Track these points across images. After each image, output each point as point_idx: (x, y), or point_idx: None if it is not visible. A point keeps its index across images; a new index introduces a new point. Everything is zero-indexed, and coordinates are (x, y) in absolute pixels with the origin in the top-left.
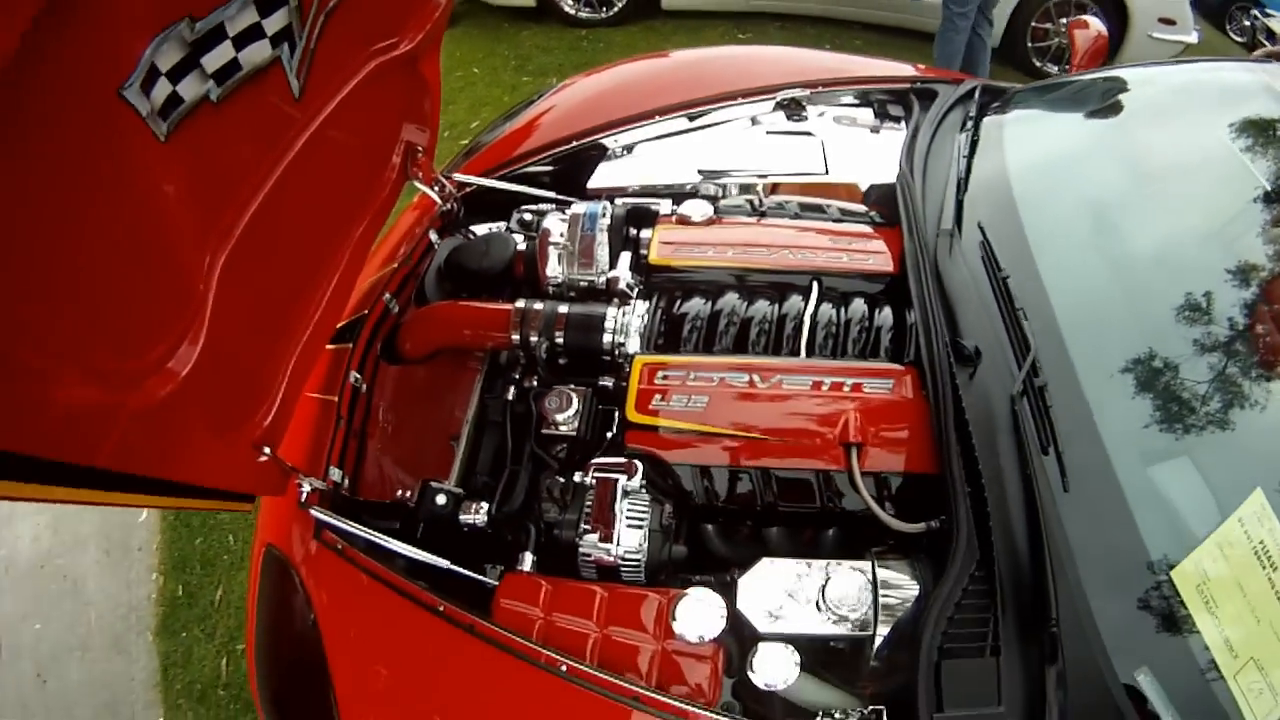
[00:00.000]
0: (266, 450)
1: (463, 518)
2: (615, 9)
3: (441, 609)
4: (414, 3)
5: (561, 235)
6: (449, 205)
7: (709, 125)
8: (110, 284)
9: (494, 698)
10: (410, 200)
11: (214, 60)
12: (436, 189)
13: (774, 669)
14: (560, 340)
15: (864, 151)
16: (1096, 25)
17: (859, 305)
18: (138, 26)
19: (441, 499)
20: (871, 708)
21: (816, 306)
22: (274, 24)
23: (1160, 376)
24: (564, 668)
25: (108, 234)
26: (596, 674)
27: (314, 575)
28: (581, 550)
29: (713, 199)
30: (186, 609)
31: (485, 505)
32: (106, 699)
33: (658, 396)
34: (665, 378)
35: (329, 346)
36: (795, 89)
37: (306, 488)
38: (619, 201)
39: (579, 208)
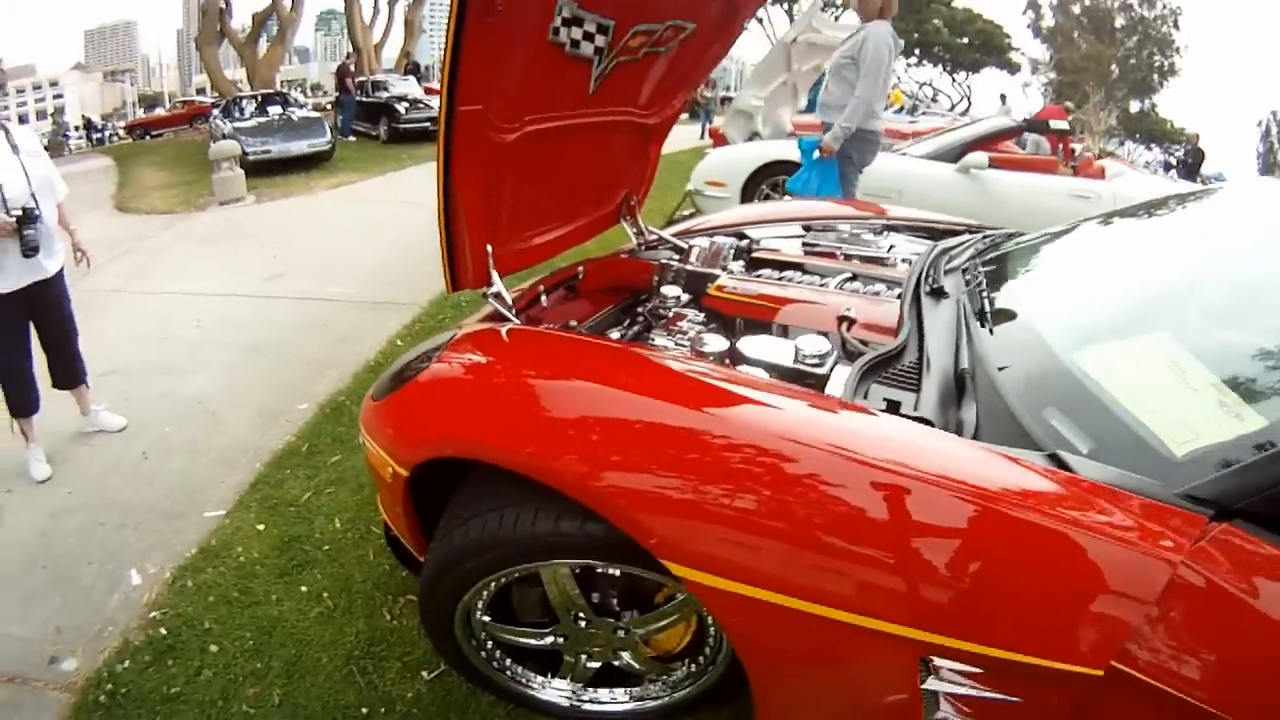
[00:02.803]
0: (489, 250)
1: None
2: None
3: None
4: (665, 98)
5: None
6: (639, 242)
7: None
8: None
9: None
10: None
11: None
12: (634, 230)
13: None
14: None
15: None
16: None
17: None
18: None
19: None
20: None
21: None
22: (598, 41)
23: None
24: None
25: None
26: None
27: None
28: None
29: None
30: (304, 459)
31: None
32: (188, 485)
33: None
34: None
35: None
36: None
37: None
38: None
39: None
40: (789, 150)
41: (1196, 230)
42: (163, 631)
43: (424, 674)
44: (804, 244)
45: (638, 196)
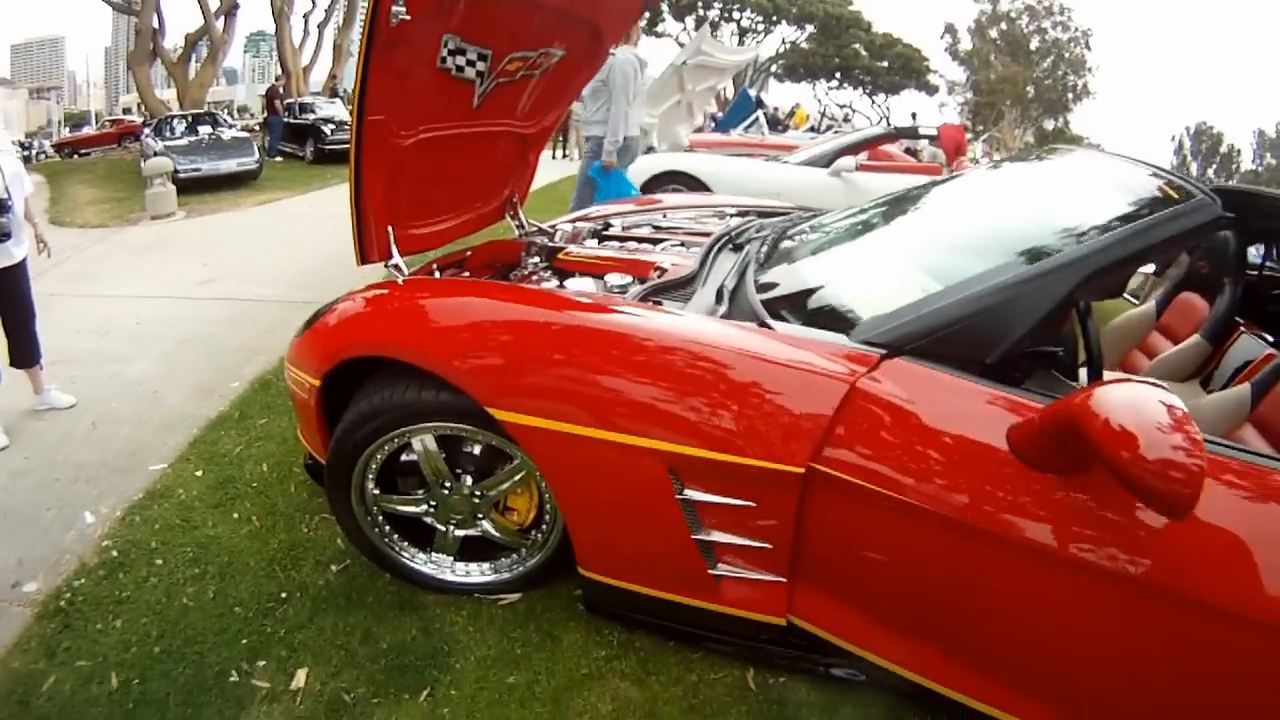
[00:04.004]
0: (390, 230)
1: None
2: None
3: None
4: (542, 112)
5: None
6: (520, 233)
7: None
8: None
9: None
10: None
11: (455, 61)
12: (516, 223)
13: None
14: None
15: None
16: None
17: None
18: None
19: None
20: None
21: None
22: (479, 66)
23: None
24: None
25: None
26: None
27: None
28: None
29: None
30: (236, 422)
31: None
32: (134, 447)
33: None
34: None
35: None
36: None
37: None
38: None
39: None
40: (677, 162)
41: (944, 197)
42: (114, 554)
43: (333, 567)
44: (655, 226)
45: (520, 195)
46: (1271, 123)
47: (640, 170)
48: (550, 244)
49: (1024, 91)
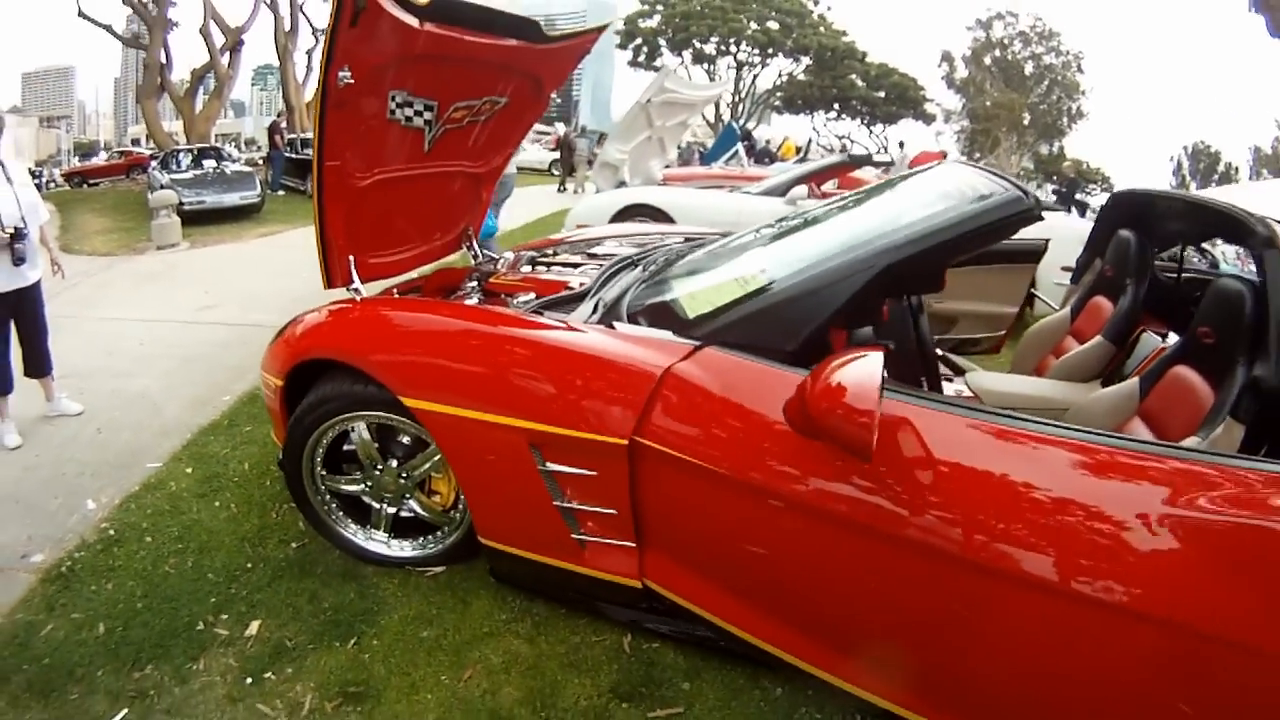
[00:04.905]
0: (351, 259)
1: None
2: None
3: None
4: (490, 153)
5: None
6: (475, 262)
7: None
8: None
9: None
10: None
11: (404, 112)
12: (471, 253)
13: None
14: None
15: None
16: None
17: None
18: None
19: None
20: None
21: None
22: (426, 116)
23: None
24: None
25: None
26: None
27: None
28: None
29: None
30: (225, 430)
31: None
32: (134, 448)
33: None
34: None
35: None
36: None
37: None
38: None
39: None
40: (646, 195)
41: (811, 215)
42: (110, 533)
43: (293, 545)
44: (589, 254)
45: (474, 227)
46: (1268, 139)
47: (610, 204)
48: (484, 269)
49: (1019, 117)
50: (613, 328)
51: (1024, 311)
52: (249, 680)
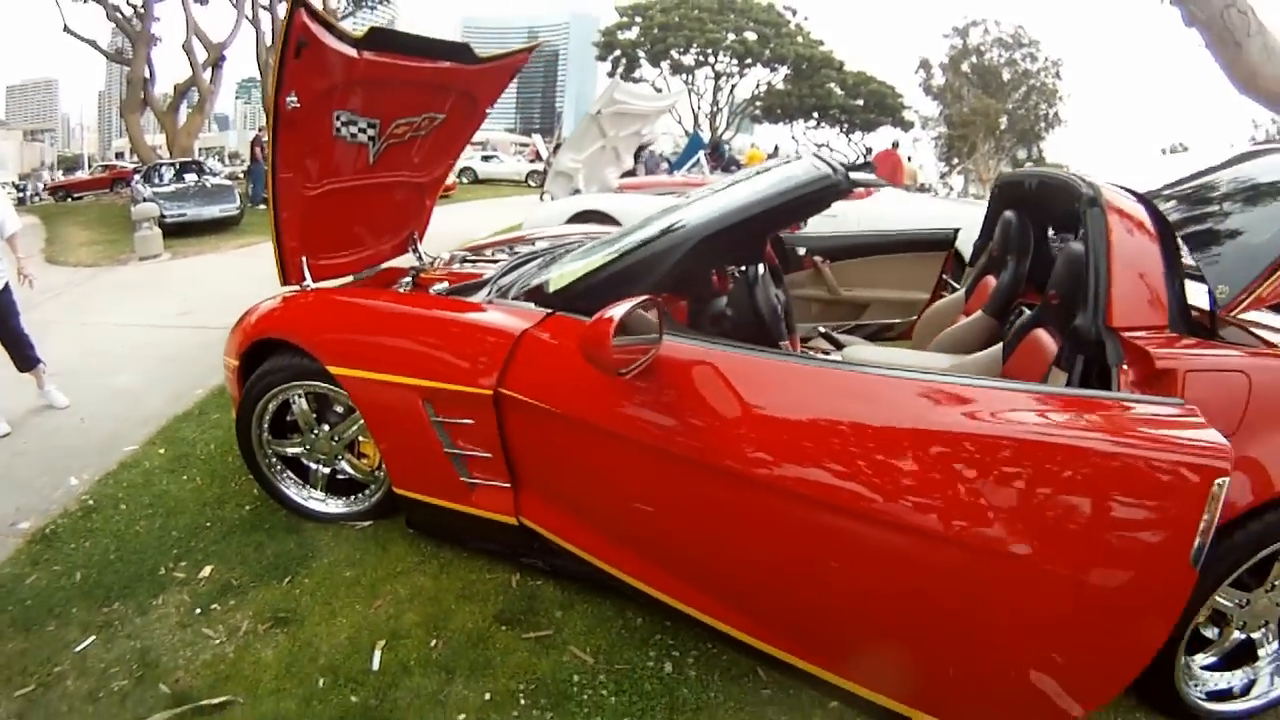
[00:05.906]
0: (304, 259)
1: None
2: None
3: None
4: (433, 164)
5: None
6: (419, 259)
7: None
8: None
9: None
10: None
11: (349, 130)
12: (416, 256)
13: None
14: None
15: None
16: None
17: None
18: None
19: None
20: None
21: None
22: (369, 133)
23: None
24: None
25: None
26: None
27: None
28: None
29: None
30: (196, 418)
31: None
32: (114, 436)
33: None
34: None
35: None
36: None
37: (308, 281)
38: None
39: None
40: (597, 202)
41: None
42: (90, 502)
43: (247, 507)
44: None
45: (419, 232)
46: (1243, 138)
47: (563, 211)
48: (419, 266)
49: (996, 123)
50: (490, 303)
51: (937, 298)
52: (198, 611)
